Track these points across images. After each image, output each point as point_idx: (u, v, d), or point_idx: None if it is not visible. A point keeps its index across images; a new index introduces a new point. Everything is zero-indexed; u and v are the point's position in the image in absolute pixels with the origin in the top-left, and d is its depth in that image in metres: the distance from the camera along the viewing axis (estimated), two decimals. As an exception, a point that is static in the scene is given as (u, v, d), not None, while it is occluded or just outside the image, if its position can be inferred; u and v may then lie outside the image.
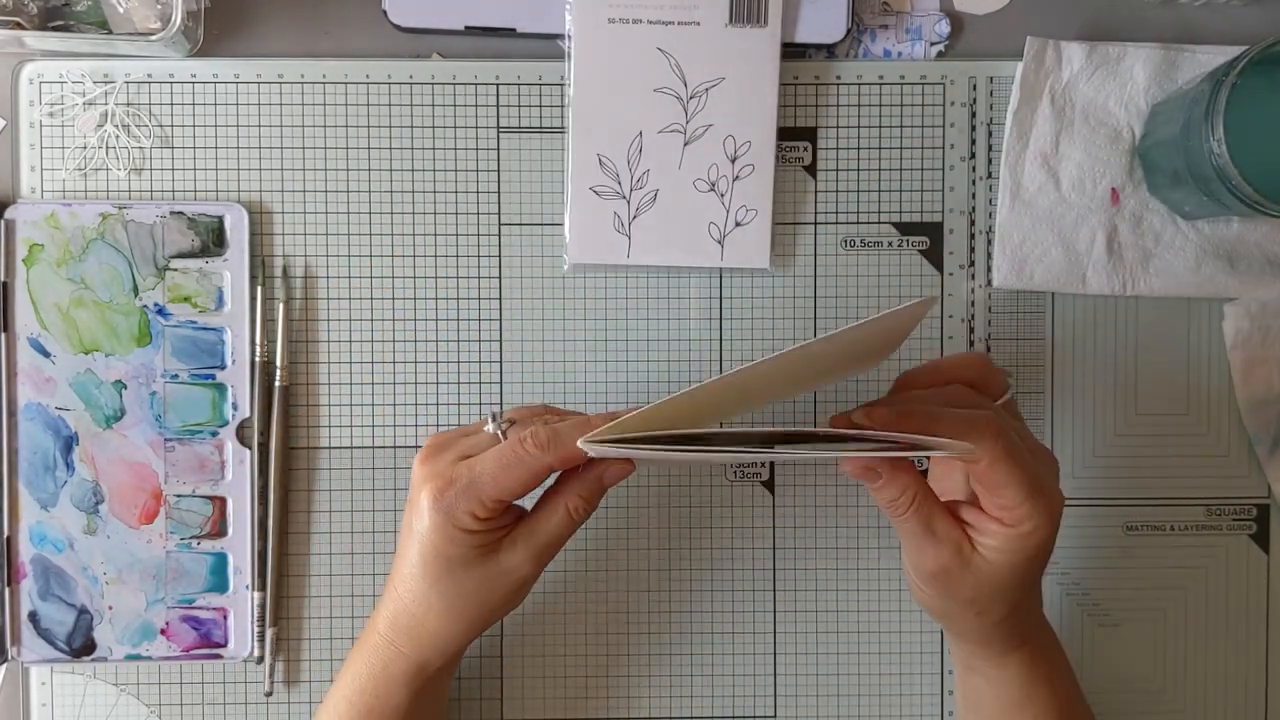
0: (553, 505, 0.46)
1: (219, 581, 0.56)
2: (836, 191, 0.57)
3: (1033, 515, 0.42)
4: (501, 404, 0.57)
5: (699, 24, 0.55)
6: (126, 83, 0.56)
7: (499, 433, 0.46)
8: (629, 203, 0.56)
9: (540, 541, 0.45)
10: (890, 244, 0.57)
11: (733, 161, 0.56)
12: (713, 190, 0.56)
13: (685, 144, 0.56)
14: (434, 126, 0.57)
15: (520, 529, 0.46)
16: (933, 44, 0.58)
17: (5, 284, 0.55)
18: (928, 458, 0.48)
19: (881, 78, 0.57)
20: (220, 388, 0.56)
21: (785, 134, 0.57)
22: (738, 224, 0.56)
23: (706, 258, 0.56)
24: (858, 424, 0.42)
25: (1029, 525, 0.42)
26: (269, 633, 0.56)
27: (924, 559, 0.44)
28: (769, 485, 0.58)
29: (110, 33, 0.53)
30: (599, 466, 0.45)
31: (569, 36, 0.55)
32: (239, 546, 0.56)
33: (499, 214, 0.57)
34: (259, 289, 0.56)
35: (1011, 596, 0.44)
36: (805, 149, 0.57)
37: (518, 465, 0.43)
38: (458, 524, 0.44)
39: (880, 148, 0.57)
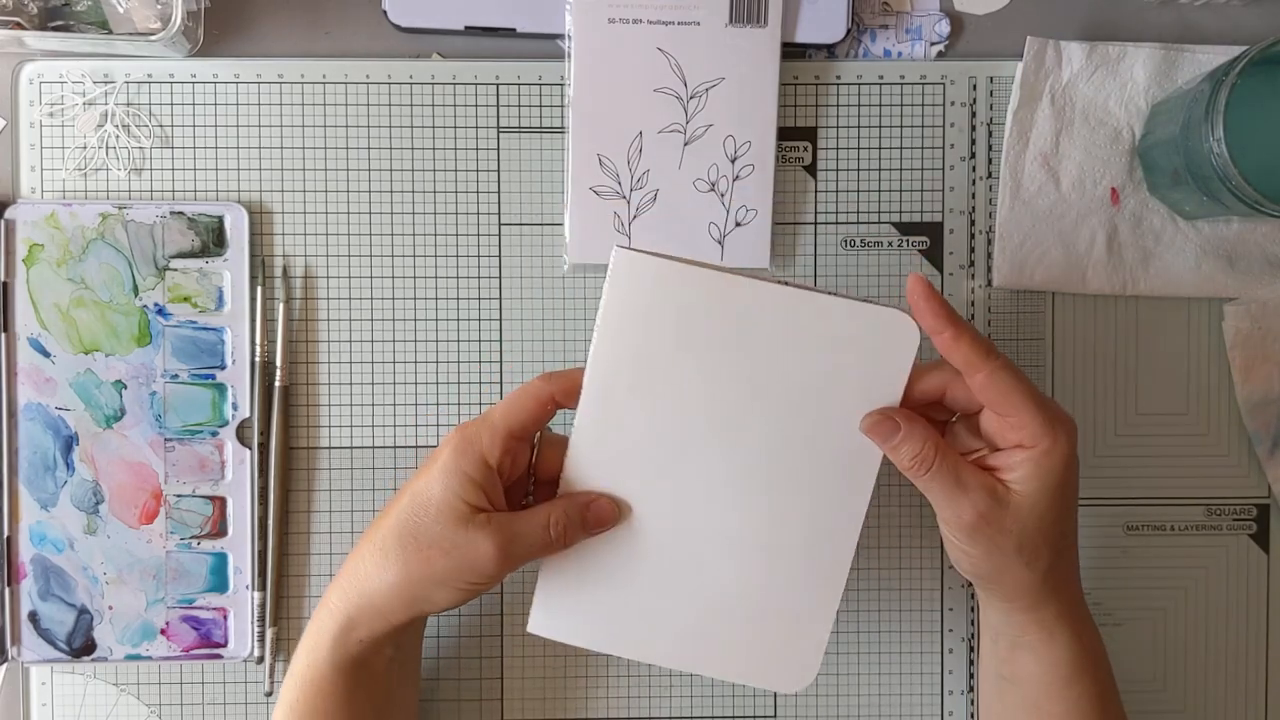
0: (537, 509, 0.46)
1: (219, 581, 0.56)
2: (836, 191, 0.57)
3: (1049, 430, 0.43)
4: (501, 404, 0.57)
5: (699, 24, 0.55)
6: (126, 83, 0.56)
7: None
8: (629, 203, 0.56)
9: (511, 531, 0.45)
10: (890, 244, 0.57)
11: (733, 161, 0.56)
12: (713, 190, 0.56)
13: (685, 144, 0.56)
14: (434, 126, 0.57)
15: (500, 514, 0.46)
16: (933, 44, 0.58)
17: (5, 284, 0.55)
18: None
19: (881, 78, 0.57)
20: (220, 388, 0.56)
21: (785, 134, 0.57)
22: (738, 224, 0.56)
23: (706, 258, 0.56)
24: None
25: (1047, 441, 0.43)
26: (269, 633, 0.56)
27: (960, 510, 0.44)
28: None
29: (110, 33, 0.53)
30: (590, 496, 0.46)
31: (569, 36, 0.55)
32: (239, 546, 0.56)
33: (499, 214, 0.57)
34: (259, 289, 0.56)
35: (1052, 536, 0.44)
36: (805, 149, 0.57)
37: (524, 395, 0.46)
38: (465, 464, 0.45)
39: (880, 148, 0.57)
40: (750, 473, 0.46)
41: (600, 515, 0.46)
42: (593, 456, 0.46)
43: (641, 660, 0.48)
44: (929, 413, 0.47)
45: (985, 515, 0.43)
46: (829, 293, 0.44)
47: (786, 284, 0.44)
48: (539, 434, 0.48)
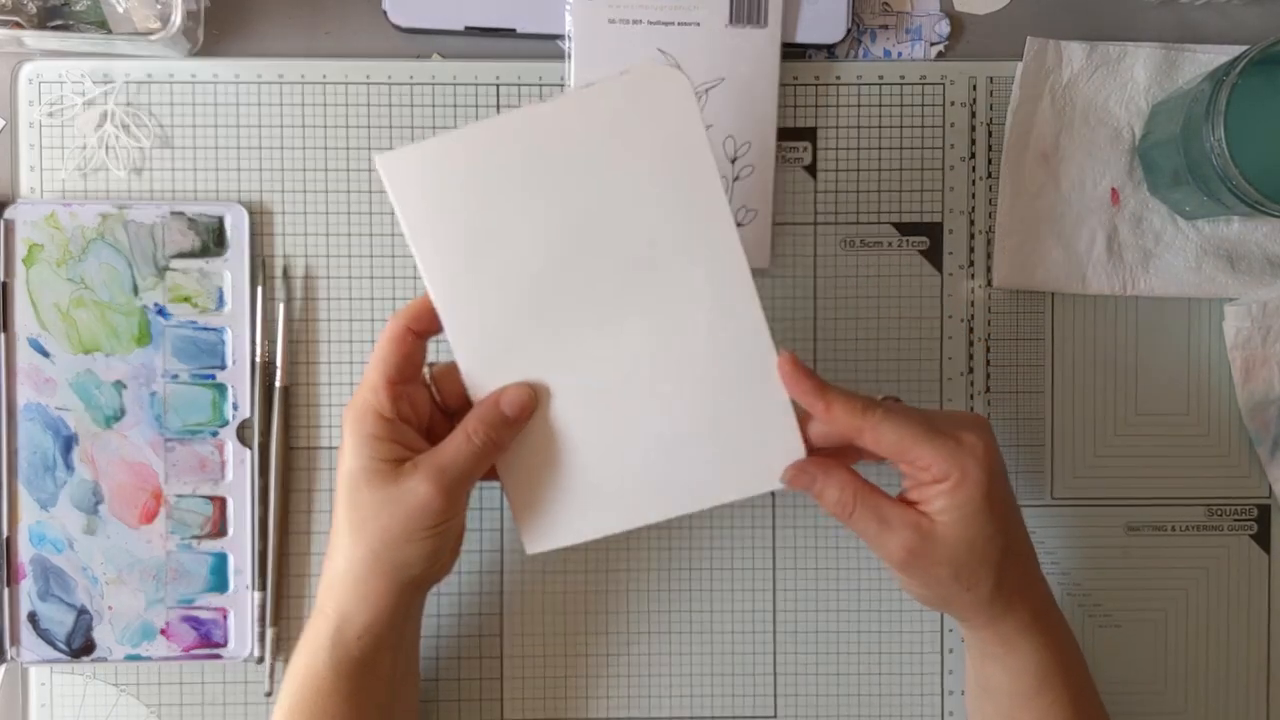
0: (455, 432, 0.46)
1: (219, 581, 0.56)
2: (836, 191, 0.57)
3: (953, 462, 0.43)
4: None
5: (699, 24, 0.55)
6: (126, 83, 0.56)
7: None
8: (629, 203, 0.56)
9: (439, 462, 0.45)
10: (890, 244, 0.57)
11: (733, 162, 0.56)
12: (713, 190, 0.56)
13: (685, 144, 0.56)
14: (434, 126, 0.57)
15: (423, 454, 0.46)
16: (933, 44, 0.58)
17: (5, 284, 0.55)
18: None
19: (881, 78, 0.57)
20: (220, 388, 0.56)
21: (785, 134, 0.57)
22: (738, 225, 0.56)
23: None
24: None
25: (956, 474, 0.43)
26: (269, 633, 0.56)
27: (889, 549, 0.44)
28: (769, 485, 0.58)
29: (110, 33, 0.53)
30: (497, 393, 0.46)
31: (569, 36, 0.55)
32: (239, 546, 0.56)
33: (499, 214, 0.57)
34: (259, 289, 0.56)
35: (989, 557, 0.45)
36: (805, 149, 0.57)
37: (382, 342, 0.45)
38: (366, 429, 0.45)
39: (880, 148, 0.57)
40: (625, 294, 0.45)
41: (516, 402, 0.45)
42: (483, 363, 0.46)
43: (642, 524, 0.47)
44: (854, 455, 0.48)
45: (914, 551, 0.44)
46: (586, 85, 0.44)
47: (545, 100, 0.43)
48: (428, 371, 0.48)
